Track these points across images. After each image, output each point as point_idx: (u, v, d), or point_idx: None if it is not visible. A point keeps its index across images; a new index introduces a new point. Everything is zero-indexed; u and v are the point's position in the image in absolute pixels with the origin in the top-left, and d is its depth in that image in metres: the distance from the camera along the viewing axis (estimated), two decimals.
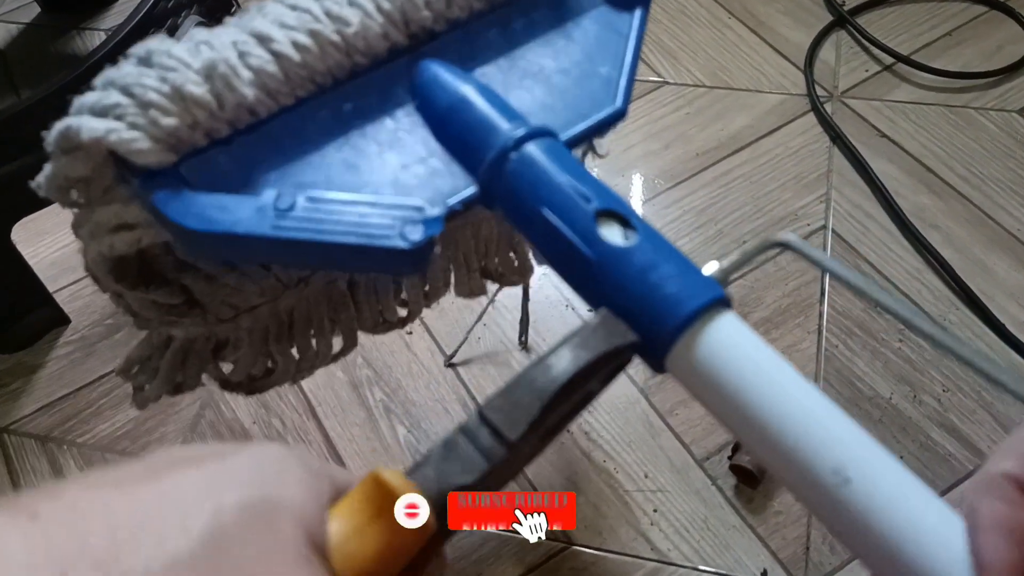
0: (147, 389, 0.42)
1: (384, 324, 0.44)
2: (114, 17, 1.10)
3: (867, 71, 0.94)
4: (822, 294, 0.78)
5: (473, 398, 0.73)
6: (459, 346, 0.75)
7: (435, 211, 0.29)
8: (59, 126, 0.29)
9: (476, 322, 0.75)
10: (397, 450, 0.71)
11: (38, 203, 0.74)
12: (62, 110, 0.29)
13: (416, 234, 0.28)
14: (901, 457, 0.67)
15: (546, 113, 0.34)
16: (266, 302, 0.39)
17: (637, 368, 0.74)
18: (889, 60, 0.94)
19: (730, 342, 0.25)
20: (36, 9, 1.11)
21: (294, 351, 0.43)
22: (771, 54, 0.97)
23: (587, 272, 0.27)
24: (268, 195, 0.29)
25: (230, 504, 0.19)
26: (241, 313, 0.39)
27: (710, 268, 0.27)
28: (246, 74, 0.30)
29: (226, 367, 0.43)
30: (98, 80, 0.30)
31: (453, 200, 0.30)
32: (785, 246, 0.28)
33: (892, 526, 0.21)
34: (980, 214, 0.82)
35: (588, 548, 0.66)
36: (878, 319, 0.76)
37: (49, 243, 0.86)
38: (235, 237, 0.28)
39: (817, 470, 0.22)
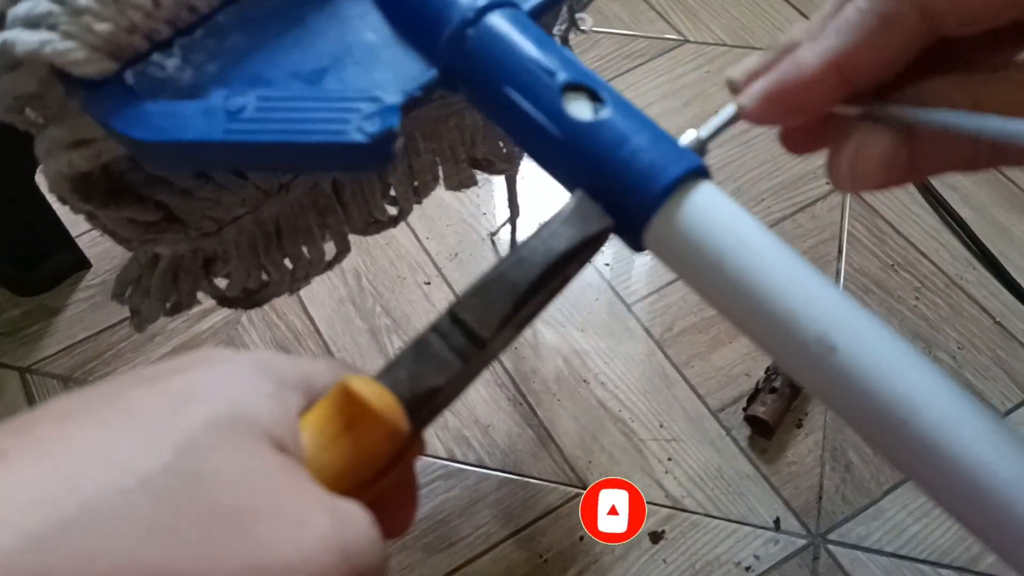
0: (143, 311, 0.41)
1: (375, 224, 0.43)
2: None
3: None
4: (839, 252, 0.78)
5: None
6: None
7: (392, 99, 0.27)
8: None
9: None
10: None
11: None
12: None
13: (373, 126, 0.26)
14: None
15: None
16: (248, 212, 0.38)
17: (653, 321, 0.75)
18: None
19: (708, 213, 0.24)
20: None
21: (287, 261, 0.42)
22: (793, 14, 0.96)
23: (556, 152, 0.26)
24: (217, 97, 0.27)
25: (199, 418, 0.19)
26: (224, 226, 0.38)
27: (687, 137, 0.26)
28: None
29: (222, 283, 0.42)
30: None
31: (412, 86, 0.28)
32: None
33: (880, 392, 0.21)
34: (998, 175, 0.82)
35: None
36: (895, 277, 0.76)
37: None
38: (187, 145, 0.27)
39: (800, 339, 0.22)
